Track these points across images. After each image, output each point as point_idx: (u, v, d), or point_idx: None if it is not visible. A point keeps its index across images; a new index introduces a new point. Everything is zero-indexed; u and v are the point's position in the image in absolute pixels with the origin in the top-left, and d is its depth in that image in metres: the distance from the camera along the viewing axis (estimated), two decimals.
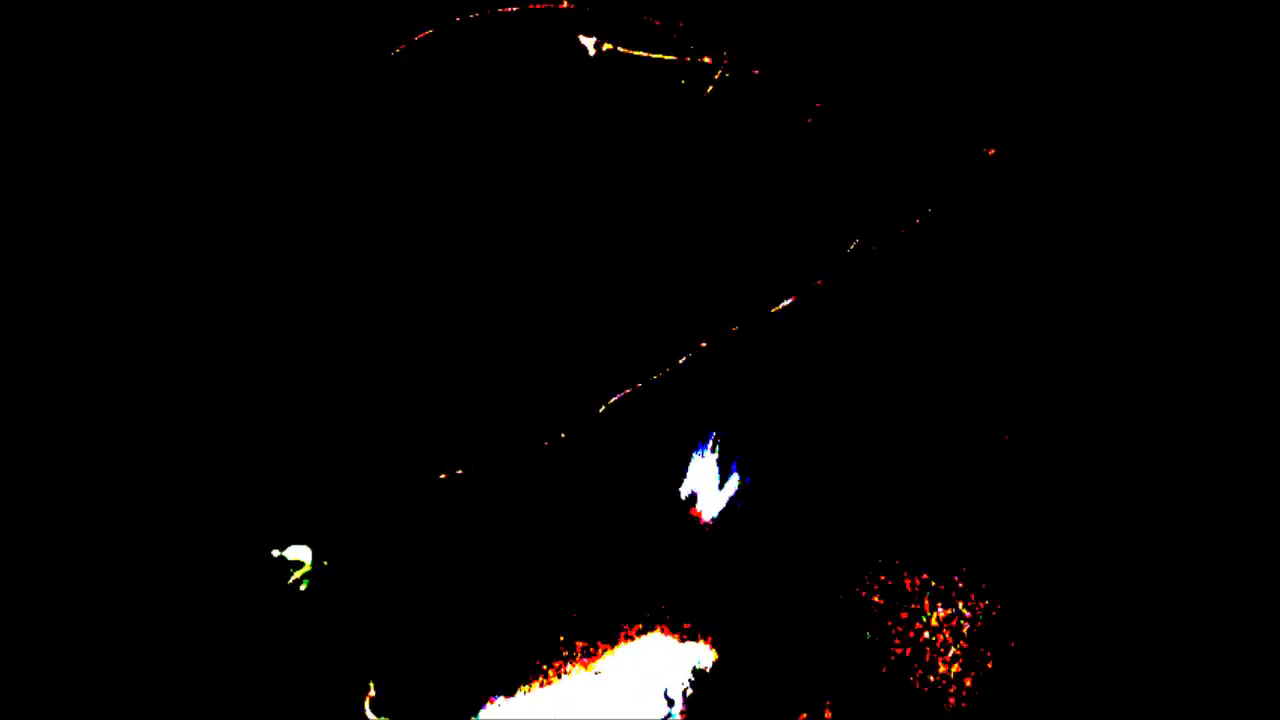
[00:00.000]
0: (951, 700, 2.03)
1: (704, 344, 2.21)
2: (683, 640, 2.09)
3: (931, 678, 2.04)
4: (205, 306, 2.27)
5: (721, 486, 2.21)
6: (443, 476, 2.22)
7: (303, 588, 2.18)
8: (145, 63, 2.27)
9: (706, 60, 2.24)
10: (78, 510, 2.18)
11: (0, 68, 2.23)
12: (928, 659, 2.05)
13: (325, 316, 2.29)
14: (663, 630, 2.10)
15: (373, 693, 2.11)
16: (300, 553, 2.20)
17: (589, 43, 2.25)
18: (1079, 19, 2.21)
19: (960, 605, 2.09)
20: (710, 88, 2.25)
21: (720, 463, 2.22)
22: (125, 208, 2.27)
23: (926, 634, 2.07)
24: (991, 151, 2.19)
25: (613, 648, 2.09)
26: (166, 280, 2.27)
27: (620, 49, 2.25)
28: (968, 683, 2.04)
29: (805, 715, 2.02)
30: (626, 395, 2.22)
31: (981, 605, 2.09)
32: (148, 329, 2.26)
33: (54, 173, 2.25)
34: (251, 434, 2.25)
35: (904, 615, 2.09)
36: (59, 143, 2.25)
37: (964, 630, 2.07)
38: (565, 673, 2.07)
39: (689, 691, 2.04)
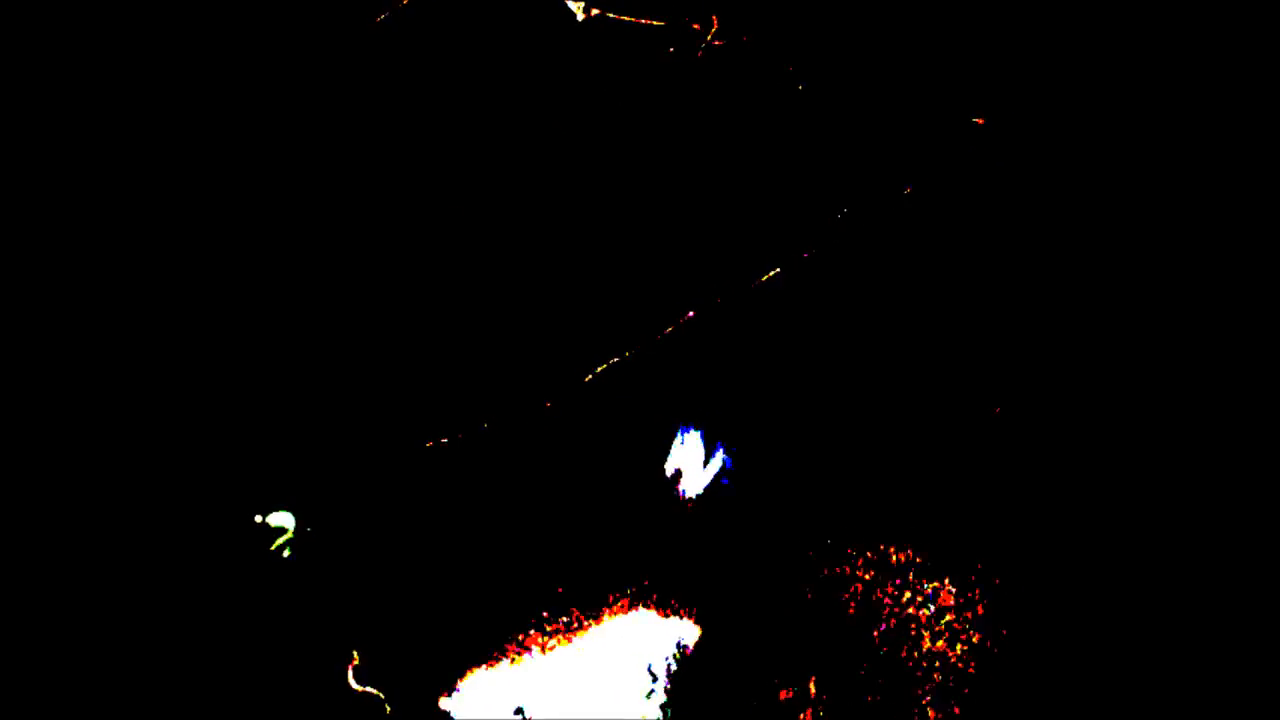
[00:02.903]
0: (936, 674, 2.01)
1: (690, 314, 2.20)
2: (667, 615, 2.08)
3: (915, 652, 2.03)
4: (187, 274, 2.27)
5: (706, 463, 2.19)
6: (429, 445, 2.22)
7: (285, 554, 2.18)
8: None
9: (695, 26, 2.22)
10: (60, 476, 2.18)
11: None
12: (912, 633, 2.04)
13: (309, 285, 2.28)
14: (647, 605, 2.09)
15: (356, 660, 2.11)
16: (283, 519, 2.20)
17: (577, 7, 2.24)
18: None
19: (944, 580, 2.07)
20: (700, 53, 2.24)
21: (705, 439, 2.21)
22: (102, 176, 2.28)
23: (910, 609, 2.06)
24: (981, 121, 2.17)
25: (597, 622, 2.08)
26: (146, 249, 2.27)
27: (608, 14, 2.24)
28: (951, 656, 2.02)
29: (790, 689, 2.00)
30: (612, 366, 2.21)
31: (965, 580, 2.08)
32: (130, 296, 2.26)
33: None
34: (234, 401, 2.25)
35: (888, 590, 2.07)
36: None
37: (948, 604, 2.06)
38: (549, 647, 2.07)
39: (673, 666, 2.03)
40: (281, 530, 2.19)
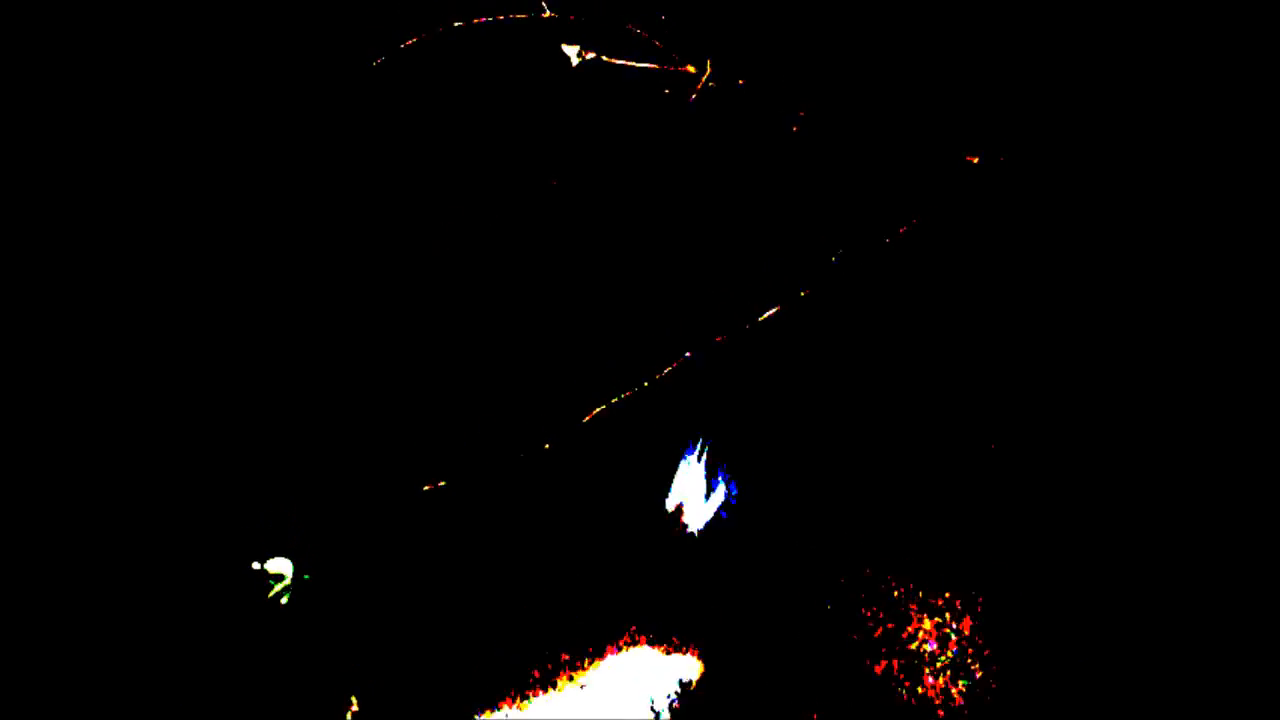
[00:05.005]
0: (939, 710, 2.03)
1: (689, 354, 2.21)
2: (669, 652, 2.08)
3: (919, 687, 2.04)
4: (186, 324, 2.26)
5: (707, 497, 2.20)
6: (426, 488, 2.21)
7: (283, 601, 2.17)
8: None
9: (690, 69, 2.24)
10: (59, 521, 2.16)
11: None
12: (914, 668, 2.05)
13: (307, 331, 2.28)
14: (649, 642, 2.09)
15: (355, 707, 2.09)
16: (281, 565, 2.18)
17: (572, 52, 2.24)
18: (1064, 25, 2.23)
19: (946, 614, 2.09)
20: (694, 96, 2.25)
21: (706, 473, 2.22)
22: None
23: (913, 643, 2.07)
24: (975, 159, 2.20)
25: (599, 659, 2.08)
26: (151, 299, 2.25)
27: (604, 58, 2.25)
28: (954, 692, 2.04)
29: None
30: (611, 406, 2.22)
31: (968, 614, 2.09)
32: (130, 345, 2.24)
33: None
34: (232, 447, 2.23)
35: (890, 625, 2.09)
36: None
37: (951, 639, 2.07)
38: (552, 685, 2.06)
39: (675, 703, 2.03)
40: (280, 577, 2.18)
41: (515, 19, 2.25)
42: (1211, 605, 2.04)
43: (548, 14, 2.25)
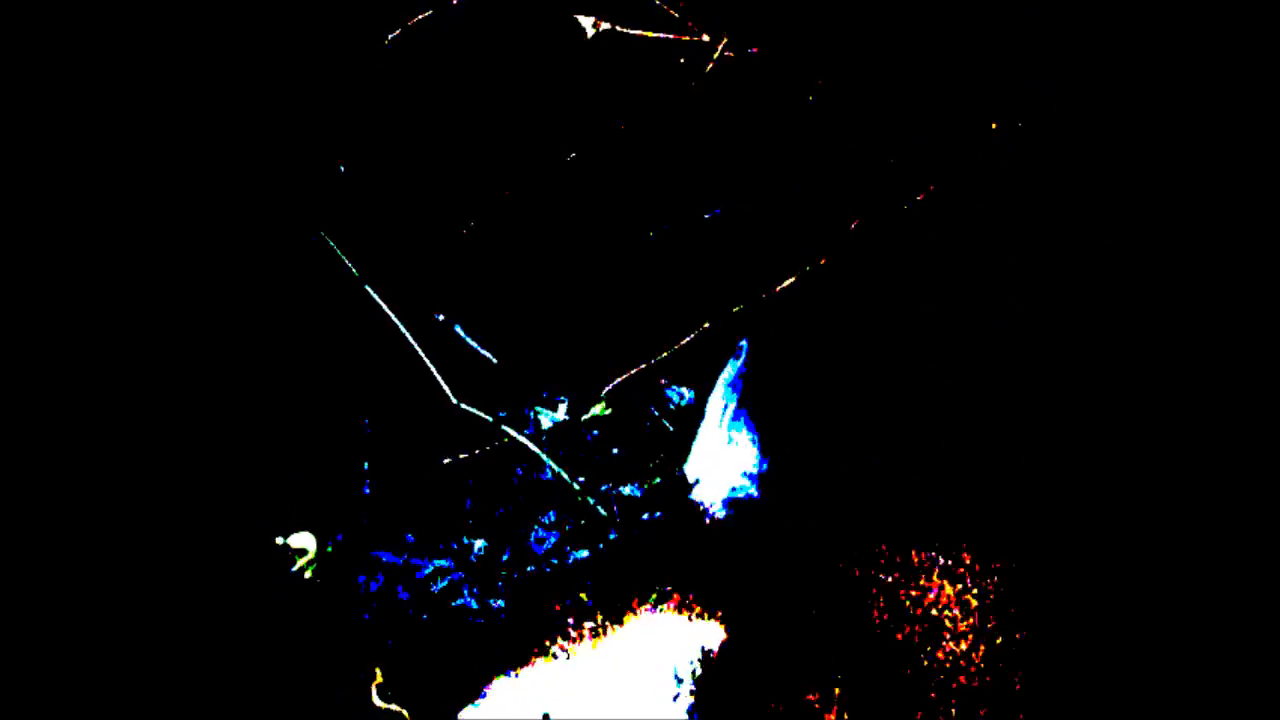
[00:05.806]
0: (962, 677, 2.03)
1: (707, 324, 2.21)
2: (692, 619, 2.09)
3: (941, 654, 2.05)
4: (207, 291, 2.26)
5: (728, 465, 2.21)
6: (446, 461, 2.22)
7: (308, 575, 2.18)
8: (142, 55, 2.24)
9: (705, 39, 2.23)
10: (83, 499, 2.17)
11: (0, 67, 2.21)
12: (936, 635, 2.06)
13: (326, 303, 2.28)
14: (671, 609, 2.10)
15: (379, 678, 2.11)
16: (305, 540, 2.20)
17: (587, 22, 2.23)
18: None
19: (969, 581, 2.09)
20: (710, 66, 2.24)
21: (727, 440, 2.22)
22: (117, 194, 2.26)
23: (935, 610, 2.07)
24: (995, 126, 2.18)
25: (621, 627, 2.09)
26: (167, 265, 2.26)
27: (618, 28, 2.23)
28: (977, 659, 2.04)
29: (815, 692, 2.02)
30: (629, 378, 2.22)
31: (990, 581, 2.10)
32: (149, 314, 2.24)
33: (54, 173, 2.23)
34: (254, 421, 2.24)
35: (913, 592, 2.09)
36: (59, 143, 2.23)
37: (973, 606, 2.08)
38: (574, 653, 2.08)
39: (698, 670, 2.04)
40: (303, 551, 2.20)
41: None
42: (1233, 577, 2.05)
43: None
